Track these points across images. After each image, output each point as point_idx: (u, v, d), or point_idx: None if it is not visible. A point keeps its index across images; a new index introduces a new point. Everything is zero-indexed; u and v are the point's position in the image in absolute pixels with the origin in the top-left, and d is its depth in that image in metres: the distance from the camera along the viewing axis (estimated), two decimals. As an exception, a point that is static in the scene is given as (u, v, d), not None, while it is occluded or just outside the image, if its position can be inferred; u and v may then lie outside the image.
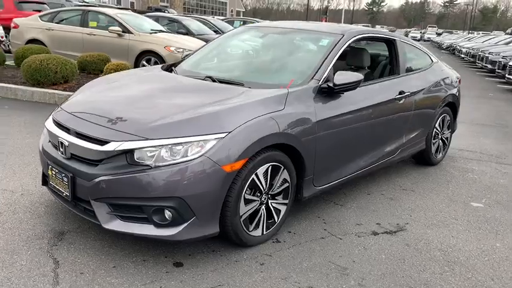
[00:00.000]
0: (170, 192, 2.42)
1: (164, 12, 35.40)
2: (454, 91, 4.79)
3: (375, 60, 4.41)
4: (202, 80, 3.33)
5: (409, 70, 4.22)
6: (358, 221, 3.37)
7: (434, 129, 4.62)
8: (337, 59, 3.42)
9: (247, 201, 2.71)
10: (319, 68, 3.27)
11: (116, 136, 2.53)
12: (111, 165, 2.50)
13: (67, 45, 9.76)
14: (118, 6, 22.57)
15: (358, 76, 3.23)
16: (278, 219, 3.00)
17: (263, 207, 2.86)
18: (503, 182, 4.51)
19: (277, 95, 2.96)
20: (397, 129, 3.99)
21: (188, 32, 11.90)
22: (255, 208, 2.79)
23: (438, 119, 4.62)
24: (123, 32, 9.33)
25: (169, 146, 2.46)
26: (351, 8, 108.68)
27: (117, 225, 2.54)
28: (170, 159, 2.45)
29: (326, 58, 3.36)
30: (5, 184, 3.56)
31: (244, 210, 2.71)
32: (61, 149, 2.73)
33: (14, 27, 10.44)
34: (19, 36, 10.23)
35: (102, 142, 2.53)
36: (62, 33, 9.86)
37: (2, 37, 10.79)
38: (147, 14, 14.26)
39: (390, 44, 4.13)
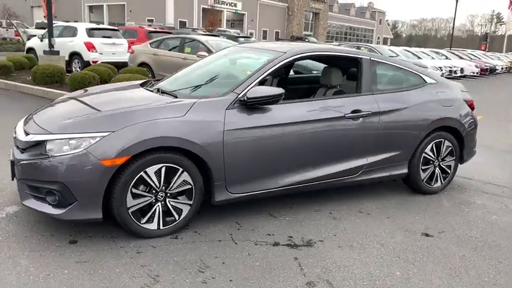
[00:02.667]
0: (54, 177, 2.94)
1: (305, 40, 36.88)
2: (455, 115, 4.40)
3: (350, 79, 4.36)
4: (151, 91, 3.81)
5: (378, 89, 4.08)
6: (273, 232, 3.43)
7: (424, 155, 4.31)
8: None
9: (136, 196, 3.08)
10: (243, 83, 3.49)
11: (36, 130, 3.16)
12: (29, 153, 3.12)
13: (167, 68, 11.15)
14: (239, 35, 24.35)
15: (273, 91, 3.38)
16: (179, 217, 3.28)
17: (159, 204, 3.19)
18: (495, 218, 3.98)
19: (181, 103, 3.29)
20: (353, 148, 3.90)
21: None
22: (147, 203, 3.14)
23: (428, 143, 4.30)
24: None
25: (66, 140, 2.99)
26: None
27: (31, 202, 3.13)
28: (65, 151, 2.97)
29: (253, 74, 3.56)
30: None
31: (133, 203, 3.08)
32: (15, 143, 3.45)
33: (131, 53, 12.31)
34: (133, 59, 12.04)
35: (27, 134, 3.18)
36: (163, 58, 11.32)
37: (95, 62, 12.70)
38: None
39: (353, 63, 4.08)
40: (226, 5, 44.40)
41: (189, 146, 3.17)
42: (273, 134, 3.50)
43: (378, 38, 74.23)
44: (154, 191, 3.15)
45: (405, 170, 4.27)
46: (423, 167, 4.36)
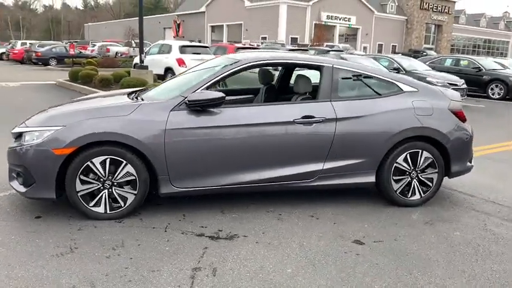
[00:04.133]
0: (21, 162, 3.63)
1: (422, 54, 35.18)
2: (435, 125, 4.18)
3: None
4: (127, 96, 4.35)
5: (338, 96, 4.10)
6: (207, 225, 3.71)
7: (396, 165, 4.18)
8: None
9: (84, 182, 3.64)
10: (191, 87, 3.87)
11: (20, 124, 3.92)
12: (16, 142, 3.88)
13: (242, 82, 11.82)
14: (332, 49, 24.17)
15: (213, 95, 3.70)
16: (125, 205, 3.76)
17: (106, 191, 3.70)
18: (458, 234, 3.71)
19: (129, 104, 3.79)
20: (305, 153, 3.98)
21: (400, 69, 12.56)
22: (94, 189, 3.67)
23: (400, 153, 4.16)
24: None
25: (33, 132, 3.68)
26: None
27: (14, 184, 3.87)
28: (31, 141, 3.64)
29: (202, 80, 3.93)
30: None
31: (81, 188, 3.64)
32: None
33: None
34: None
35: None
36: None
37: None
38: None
39: (318, 70, 4.17)
40: (340, 19, 44.38)
41: (131, 141, 3.63)
42: (218, 135, 3.80)
43: (515, 49, 67.06)
44: (101, 179, 3.67)
45: (372, 179, 4.19)
46: (395, 178, 4.22)
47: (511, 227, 3.93)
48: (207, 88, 3.90)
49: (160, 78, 13.89)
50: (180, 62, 14.52)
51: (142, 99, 4.05)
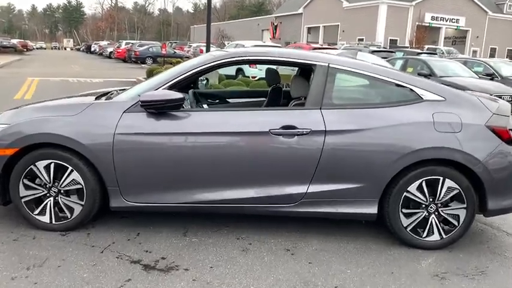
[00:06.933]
0: None
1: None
2: (464, 145, 3.15)
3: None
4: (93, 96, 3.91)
5: (331, 104, 3.26)
6: (153, 250, 3.14)
7: (406, 194, 3.23)
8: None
9: (27, 187, 3.28)
10: (153, 85, 3.33)
11: None
12: None
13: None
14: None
15: (167, 96, 3.13)
16: (71, 216, 3.33)
17: (51, 199, 3.31)
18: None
19: (79, 103, 3.35)
20: (284, 172, 3.22)
21: (431, 74, 10.95)
22: (38, 196, 3.30)
23: (413, 179, 3.20)
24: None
25: None
26: None
27: None
28: None
29: (164, 77, 3.36)
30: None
31: (25, 193, 3.29)
32: None
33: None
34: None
35: None
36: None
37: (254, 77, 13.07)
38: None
39: (307, 70, 3.37)
40: (446, 21, 40.85)
41: (75, 145, 3.19)
42: (177, 144, 3.21)
43: None
44: (45, 185, 3.28)
45: (373, 210, 3.28)
46: (405, 211, 3.27)
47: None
48: (171, 87, 3.33)
49: (230, 78, 13.60)
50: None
51: (110, 98, 3.60)
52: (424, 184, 3.22)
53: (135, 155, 3.21)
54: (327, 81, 3.30)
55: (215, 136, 3.20)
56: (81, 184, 3.26)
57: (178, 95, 3.15)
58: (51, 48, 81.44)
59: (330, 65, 3.34)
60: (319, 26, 46.97)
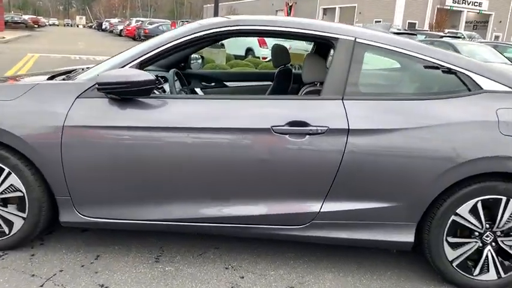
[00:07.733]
0: None
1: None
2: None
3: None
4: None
5: (357, 92, 2.40)
6: (108, 283, 2.35)
7: (454, 217, 2.38)
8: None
9: (-47, 194, 2.49)
10: (118, 62, 2.50)
11: None
12: None
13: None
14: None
15: (132, 76, 2.29)
16: (10, 232, 2.55)
17: (-14, 209, 2.53)
18: None
19: (20, 84, 2.55)
20: (290, 183, 2.39)
21: None
22: (-33, 204, 2.52)
23: (464, 199, 2.35)
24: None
25: None
26: None
27: None
28: None
29: (138, 51, 2.52)
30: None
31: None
32: None
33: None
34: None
35: None
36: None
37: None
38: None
39: (325, 46, 2.50)
40: (468, 4, 39.10)
41: (11, 140, 2.39)
42: (145, 141, 2.38)
43: None
44: (-24, 192, 2.50)
45: (409, 238, 2.44)
46: (451, 240, 2.42)
47: None
48: (141, 64, 2.49)
49: (238, 58, 12.71)
50: (262, 42, 13.18)
51: (69, 78, 2.77)
52: (479, 205, 2.36)
53: (90, 155, 2.39)
54: (352, 61, 2.42)
55: (196, 133, 2.36)
56: (21, 191, 2.46)
57: (147, 75, 2.30)
58: (64, 25, 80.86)
59: (357, 40, 2.45)
60: (335, 7, 45.52)
